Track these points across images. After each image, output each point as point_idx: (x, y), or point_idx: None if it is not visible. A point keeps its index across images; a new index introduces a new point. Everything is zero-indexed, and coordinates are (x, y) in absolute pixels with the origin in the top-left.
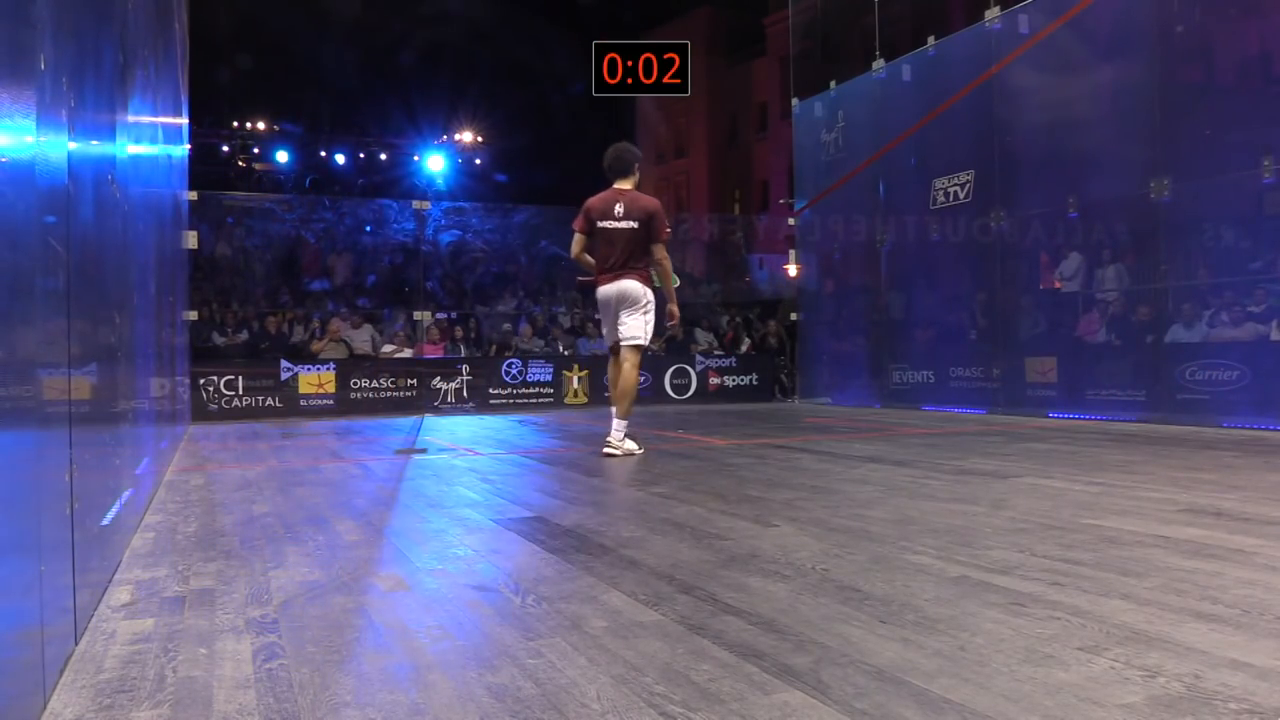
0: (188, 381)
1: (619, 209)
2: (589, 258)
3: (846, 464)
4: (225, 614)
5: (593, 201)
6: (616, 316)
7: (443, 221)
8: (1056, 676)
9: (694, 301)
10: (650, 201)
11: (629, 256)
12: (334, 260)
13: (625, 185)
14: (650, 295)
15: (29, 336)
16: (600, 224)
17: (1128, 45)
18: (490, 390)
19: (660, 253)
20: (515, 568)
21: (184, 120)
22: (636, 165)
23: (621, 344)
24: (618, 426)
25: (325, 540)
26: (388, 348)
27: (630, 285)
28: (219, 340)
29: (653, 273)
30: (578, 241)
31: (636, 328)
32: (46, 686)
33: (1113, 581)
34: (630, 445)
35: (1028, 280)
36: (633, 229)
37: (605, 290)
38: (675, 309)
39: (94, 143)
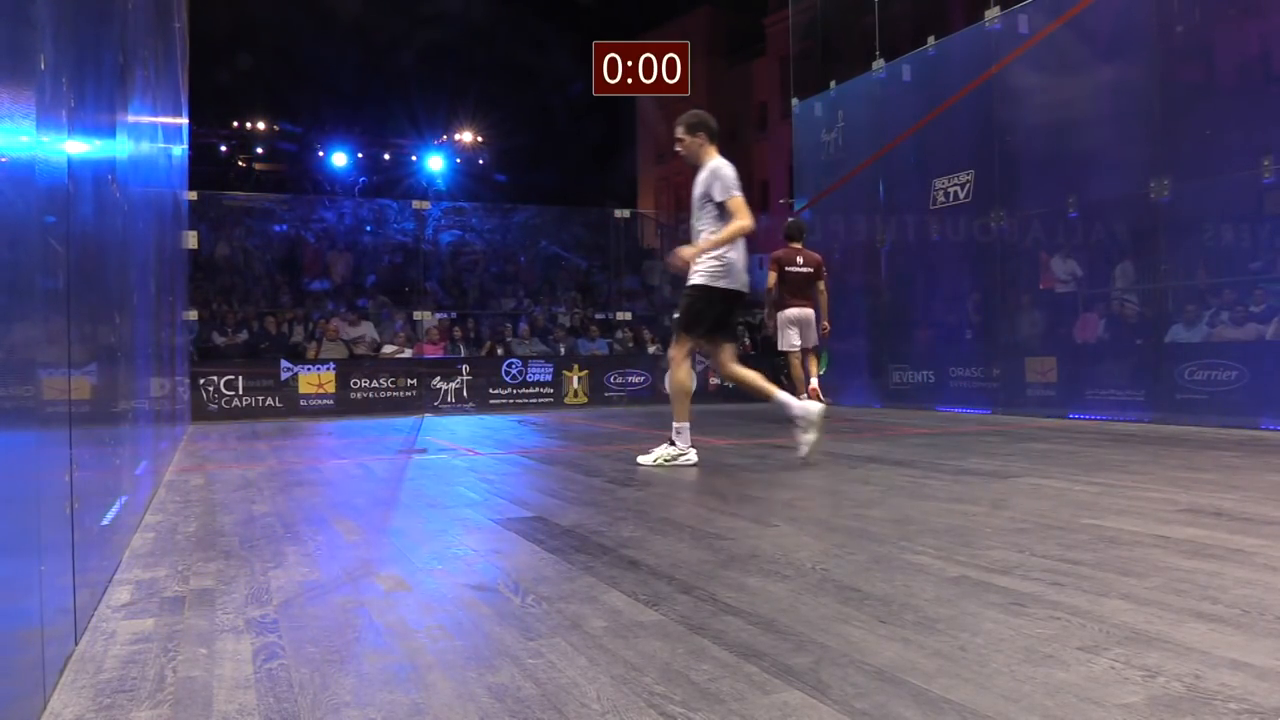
0: (188, 381)
1: (799, 260)
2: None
3: (846, 464)
4: (225, 614)
5: (779, 254)
6: (799, 330)
7: (443, 221)
8: (1056, 676)
9: None
10: (816, 256)
11: (806, 291)
12: (334, 260)
13: (798, 245)
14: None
15: (29, 336)
16: (786, 269)
17: (1128, 45)
18: (490, 390)
19: (823, 286)
20: (515, 568)
21: (184, 120)
22: (805, 233)
23: (808, 348)
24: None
25: (325, 540)
26: (388, 348)
27: (809, 312)
28: (219, 340)
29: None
30: (773, 281)
31: (816, 338)
32: (46, 686)
33: (1113, 581)
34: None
35: (1028, 280)
36: (808, 273)
37: (792, 312)
38: (827, 323)
39: (94, 143)
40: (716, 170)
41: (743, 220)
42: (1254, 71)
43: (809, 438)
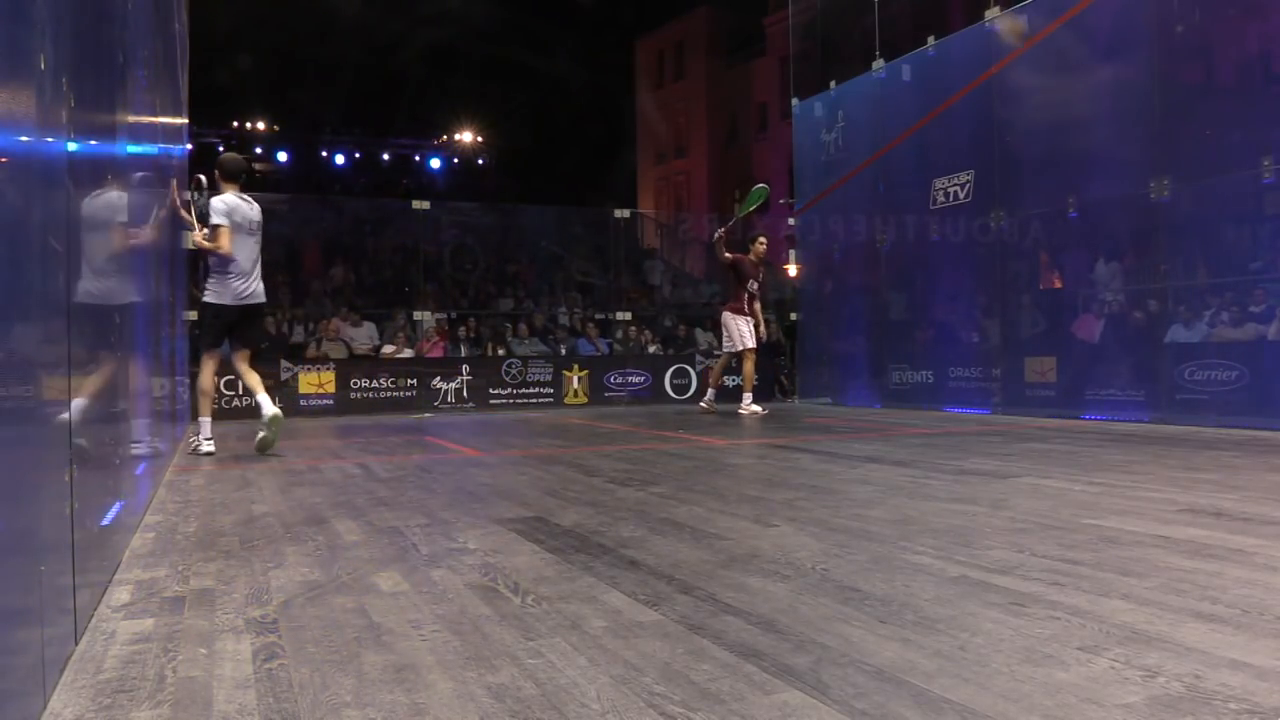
0: (188, 381)
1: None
2: (728, 255)
3: (846, 464)
4: (225, 614)
5: (745, 263)
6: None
7: (443, 221)
8: (1056, 676)
9: (694, 301)
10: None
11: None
12: (334, 260)
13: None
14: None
15: (29, 336)
16: (750, 281)
17: (1127, 45)
18: (490, 390)
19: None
20: (515, 568)
21: (184, 120)
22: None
23: (738, 351)
24: (747, 400)
25: (325, 540)
26: (388, 348)
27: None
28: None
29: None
30: (724, 253)
31: (742, 339)
32: (46, 686)
33: (1113, 581)
34: (756, 407)
35: (1028, 280)
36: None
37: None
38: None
39: (94, 143)
40: (211, 201)
41: (220, 247)
42: (1254, 71)
43: (263, 435)
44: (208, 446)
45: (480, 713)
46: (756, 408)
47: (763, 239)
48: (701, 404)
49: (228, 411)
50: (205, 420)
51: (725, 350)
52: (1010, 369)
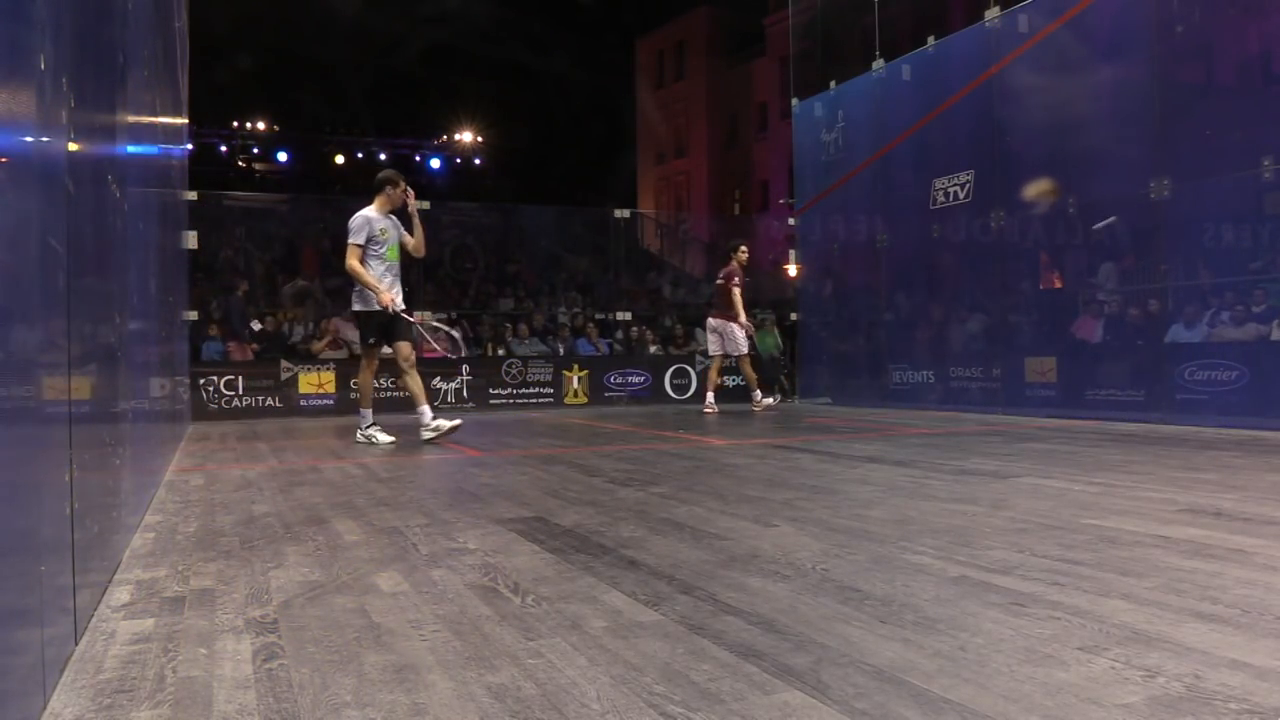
0: (188, 381)
1: (719, 275)
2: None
3: (846, 464)
4: (225, 614)
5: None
6: (713, 337)
7: (443, 221)
8: (1056, 676)
9: (695, 302)
10: (725, 269)
11: (719, 302)
12: (334, 260)
13: (727, 265)
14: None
15: (29, 336)
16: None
17: (1127, 45)
18: (490, 390)
19: (733, 295)
20: (515, 568)
21: (184, 120)
22: (732, 250)
23: (735, 355)
24: (758, 398)
25: (325, 540)
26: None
27: (719, 321)
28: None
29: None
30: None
31: (740, 347)
32: (46, 686)
33: (1113, 581)
34: (769, 401)
35: (1028, 280)
36: (719, 284)
37: (708, 321)
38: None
39: (94, 143)
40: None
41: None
42: (1254, 71)
43: (427, 435)
44: (381, 437)
45: (480, 713)
46: (769, 401)
47: (744, 247)
48: (705, 409)
49: (227, 412)
50: (367, 411)
51: (715, 354)
52: (1010, 369)
